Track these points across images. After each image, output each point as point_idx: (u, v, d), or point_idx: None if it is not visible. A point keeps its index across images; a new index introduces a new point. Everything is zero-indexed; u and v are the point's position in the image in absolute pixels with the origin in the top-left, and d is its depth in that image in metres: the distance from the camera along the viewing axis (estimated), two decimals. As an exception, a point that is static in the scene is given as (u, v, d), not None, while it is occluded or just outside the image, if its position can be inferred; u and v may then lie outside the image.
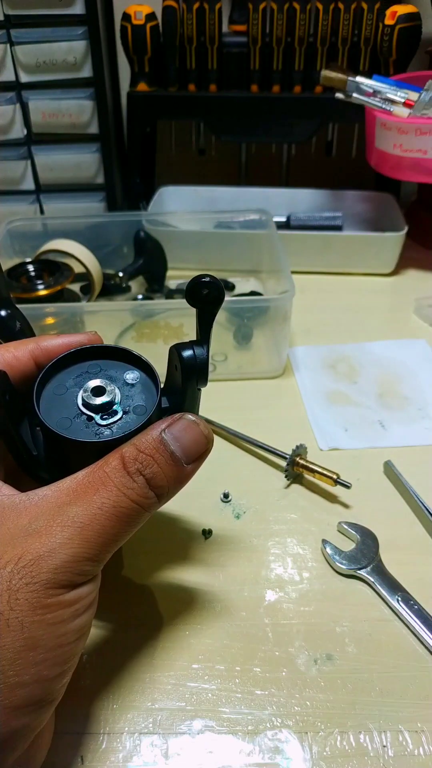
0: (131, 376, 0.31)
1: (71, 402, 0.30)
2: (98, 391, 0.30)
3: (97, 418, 0.29)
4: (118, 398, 0.30)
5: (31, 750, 0.27)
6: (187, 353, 0.31)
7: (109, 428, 0.29)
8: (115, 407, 0.30)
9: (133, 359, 0.32)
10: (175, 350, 0.32)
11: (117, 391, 0.30)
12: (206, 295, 0.31)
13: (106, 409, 0.30)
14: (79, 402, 0.30)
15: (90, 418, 0.30)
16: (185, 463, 0.29)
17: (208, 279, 0.31)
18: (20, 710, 0.24)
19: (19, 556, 0.24)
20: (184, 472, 0.29)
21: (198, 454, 0.29)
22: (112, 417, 0.30)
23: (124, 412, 0.30)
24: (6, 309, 0.37)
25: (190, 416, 0.30)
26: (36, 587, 0.24)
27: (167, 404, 0.32)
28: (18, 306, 0.59)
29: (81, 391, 0.30)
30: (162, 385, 0.32)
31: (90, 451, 0.28)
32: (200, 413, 0.53)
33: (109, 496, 0.26)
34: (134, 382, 0.31)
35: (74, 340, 0.33)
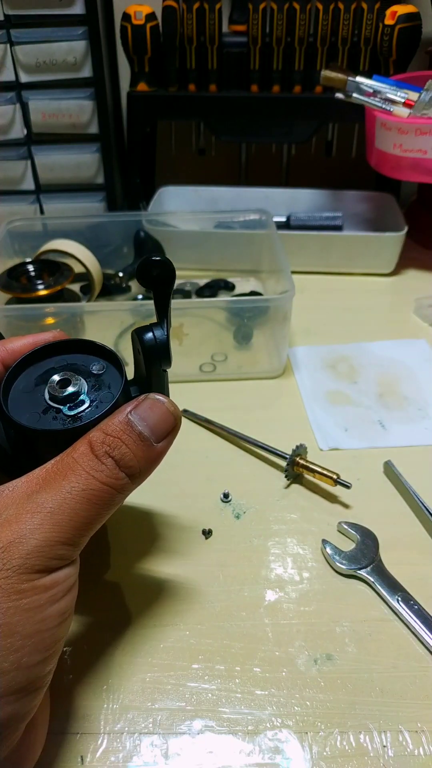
0: (97, 366, 0.32)
1: (39, 398, 0.30)
2: (64, 383, 0.30)
3: (64, 409, 0.30)
4: (84, 389, 0.31)
5: (23, 746, 0.27)
6: (147, 336, 0.31)
7: (77, 418, 0.30)
8: (81, 397, 0.30)
9: (98, 350, 0.32)
10: (136, 334, 0.32)
11: (83, 381, 0.31)
12: (157, 276, 0.31)
13: (73, 400, 0.30)
14: (46, 396, 0.30)
15: (58, 410, 0.30)
16: (155, 442, 0.29)
17: (158, 258, 0.31)
18: (3, 699, 0.24)
19: None
20: (155, 451, 0.29)
21: (166, 432, 0.30)
22: (80, 407, 0.30)
23: (92, 402, 0.30)
24: None
25: (155, 395, 0.30)
26: (8, 573, 0.24)
27: (137, 393, 0.32)
28: (18, 306, 0.59)
29: (47, 386, 0.30)
30: (133, 375, 0.32)
31: (59, 440, 0.29)
32: (200, 413, 0.53)
33: (78, 480, 0.26)
34: (100, 372, 0.32)
35: (39, 338, 0.33)
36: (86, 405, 0.30)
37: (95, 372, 0.32)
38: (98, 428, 0.28)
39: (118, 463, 0.27)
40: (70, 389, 0.30)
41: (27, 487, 0.26)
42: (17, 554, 0.24)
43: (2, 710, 0.24)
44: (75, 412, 0.30)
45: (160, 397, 0.30)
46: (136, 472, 0.28)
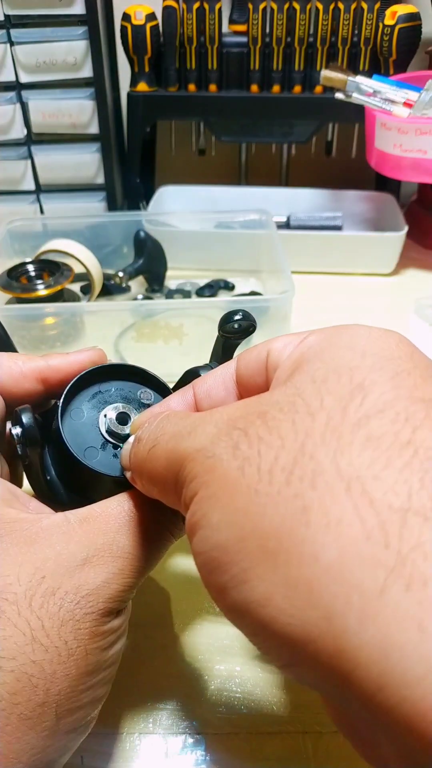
0: (145, 396, 0.31)
1: (92, 428, 0.29)
2: (122, 419, 0.29)
3: (123, 446, 0.29)
4: None
5: None
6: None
7: None
8: None
9: (144, 377, 0.31)
10: (190, 374, 0.31)
11: (137, 415, 0.29)
12: (238, 328, 0.31)
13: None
14: (103, 429, 0.29)
15: (116, 446, 0.29)
16: None
17: (240, 316, 0.31)
18: (75, 732, 0.24)
19: (78, 586, 0.24)
20: None
21: None
22: None
23: None
24: None
25: None
26: (94, 616, 0.24)
27: None
28: (18, 306, 0.59)
29: (103, 417, 0.29)
30: None
31: (123, 484, 0.28)
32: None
33: (154, 528, 0.26)
34: (149, 402, 0.30)
35: (82, 358, 0.31)
36: None
37: (144, 402, 0.30)
38: None
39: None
40: (130, 427, 0.29)
41: (102, 524, 0.26)
42: (102, 598, 0.24)
43: (73, 742, 0.25)
44: None
45: None
46: None
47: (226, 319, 0.32)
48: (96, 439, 0.29)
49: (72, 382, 0.30)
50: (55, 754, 0.23)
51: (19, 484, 0.32)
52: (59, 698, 0.23)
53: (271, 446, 0.18)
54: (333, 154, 0.85)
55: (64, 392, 0.29)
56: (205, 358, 0.57)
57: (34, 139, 0.77)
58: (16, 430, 0.28)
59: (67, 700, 0.23)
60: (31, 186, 0.80)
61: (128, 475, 0.27)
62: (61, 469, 0.30)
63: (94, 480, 0.28)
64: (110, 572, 0.25)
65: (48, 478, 0.30)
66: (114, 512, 0.26)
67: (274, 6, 0.72)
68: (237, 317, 0.31)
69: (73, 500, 0.29)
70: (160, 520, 0.27)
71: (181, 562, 0.41)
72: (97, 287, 0.65)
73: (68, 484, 0.30)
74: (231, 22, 0.77)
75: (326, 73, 0.70)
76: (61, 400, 0.29)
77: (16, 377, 0.30)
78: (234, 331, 0.31)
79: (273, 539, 0.17)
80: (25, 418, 0.28)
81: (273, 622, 0.17)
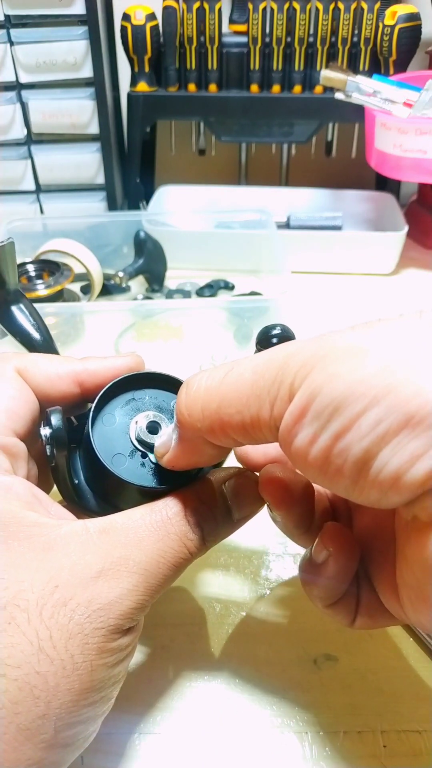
0: None
1: (122, 435, 0.29)
2: (153, 428, 0.29)
3: (151, 456, 0.29)
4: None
5: None
6: None
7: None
8: None
9: (177, 386, 0.30)
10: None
11: (169, 425, 0.29)
12: (275, 344, 0.31)
13: None
14: (133, 436, 0.29)
15: (144, 455, 0.29)
16: (236, 519, 0.29)
17: (278, 330, 0.32)
18: (72, 746, 0.24)
19: (90, 599, 0.24)
20: (234, 527, 0.29)
21: (250, 513, 0.30)
22: None
23: None
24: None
25: (249, 474, 0.30)
26: (104, 632, 0.24)
27: None
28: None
29: (134, 425, 0.29)
30: None
31: (148, 494, 0.28)
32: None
33: (172, 544, 0.26)
34: None
35: (119, 363, 0.31)
36: None
37: None
38: (194, 492, 0.28)
39: (204, 536, 0.27)
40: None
41: (120, 538, 0.26)
42: (114, 614, 0.24)
43: (71, 756, 0.25)
44: None
45: (252, 474, 0.30)
46: (213, 545, 0.28)
47: (264, 333, 0.32)
48: (125, 447, 0.29)
49: (106, 388, 0.29)
50: (51, 766, 0.23)
51: (48, 489, 0.32)
52: (60, 712, 0.23)
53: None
54: (333, 154, 0.85)
55: (97, 396, 0.29)
56: (205, 358, 0.57)
57: (34, 139, 0.77)
58: (45, 431, 0.28)
59: (67, 714, 0.23)
60: (31, 186, 0.80)
61: (172, 442, 0.27)
62: (90, 474, 0.30)
63: (119, 487, 0.28)
64: (124, 588, 0.25)
65: (76, 482, 0.30)
66: (134, 525, 0.26)
67: (274, 6, 0.72)
68: (275, 331, 0.32)
69: (100, 506, 0.29)
70: (181, 536, 0.26)
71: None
72: (97, 287, 0.65)
73: (95, 490, 0.30)
74: (231, 22, 0.77)
75: (326, 73, 0.70)
76: (93, 405, 0.29)
77: (51, 378, 0.30)
78: (272, 346, 0.31)
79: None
80: (54, 420, 0.28)
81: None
